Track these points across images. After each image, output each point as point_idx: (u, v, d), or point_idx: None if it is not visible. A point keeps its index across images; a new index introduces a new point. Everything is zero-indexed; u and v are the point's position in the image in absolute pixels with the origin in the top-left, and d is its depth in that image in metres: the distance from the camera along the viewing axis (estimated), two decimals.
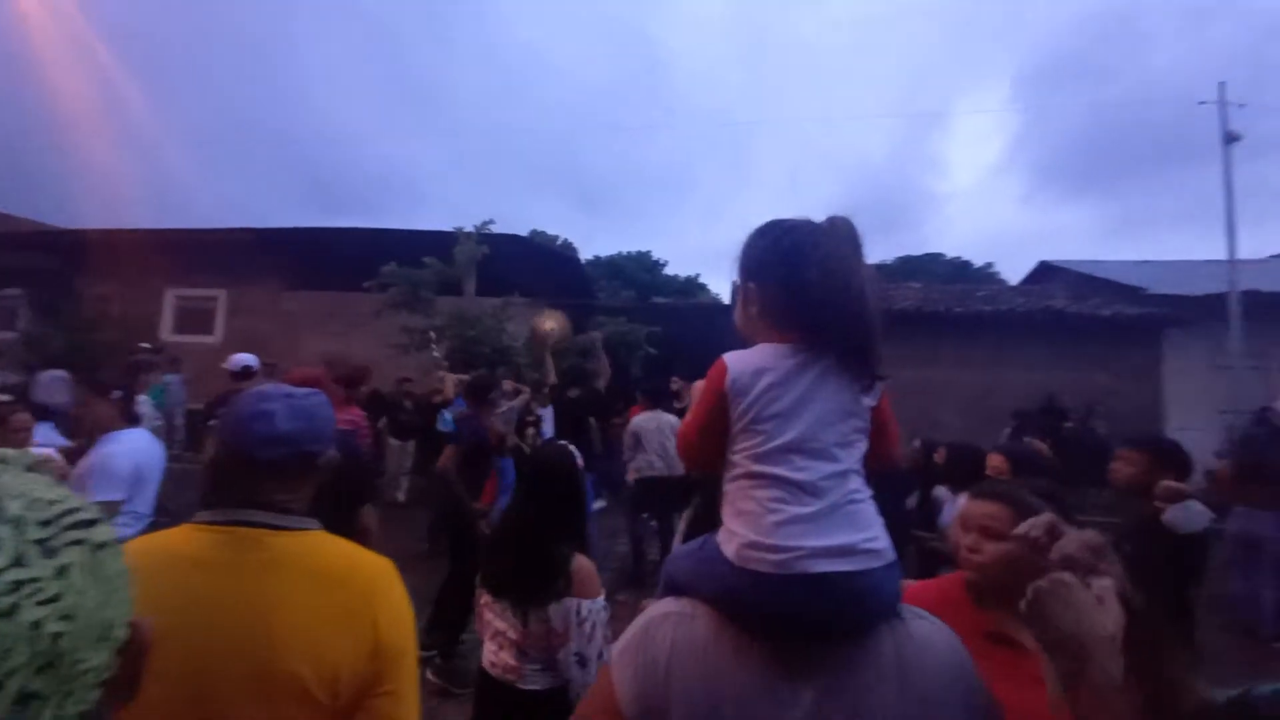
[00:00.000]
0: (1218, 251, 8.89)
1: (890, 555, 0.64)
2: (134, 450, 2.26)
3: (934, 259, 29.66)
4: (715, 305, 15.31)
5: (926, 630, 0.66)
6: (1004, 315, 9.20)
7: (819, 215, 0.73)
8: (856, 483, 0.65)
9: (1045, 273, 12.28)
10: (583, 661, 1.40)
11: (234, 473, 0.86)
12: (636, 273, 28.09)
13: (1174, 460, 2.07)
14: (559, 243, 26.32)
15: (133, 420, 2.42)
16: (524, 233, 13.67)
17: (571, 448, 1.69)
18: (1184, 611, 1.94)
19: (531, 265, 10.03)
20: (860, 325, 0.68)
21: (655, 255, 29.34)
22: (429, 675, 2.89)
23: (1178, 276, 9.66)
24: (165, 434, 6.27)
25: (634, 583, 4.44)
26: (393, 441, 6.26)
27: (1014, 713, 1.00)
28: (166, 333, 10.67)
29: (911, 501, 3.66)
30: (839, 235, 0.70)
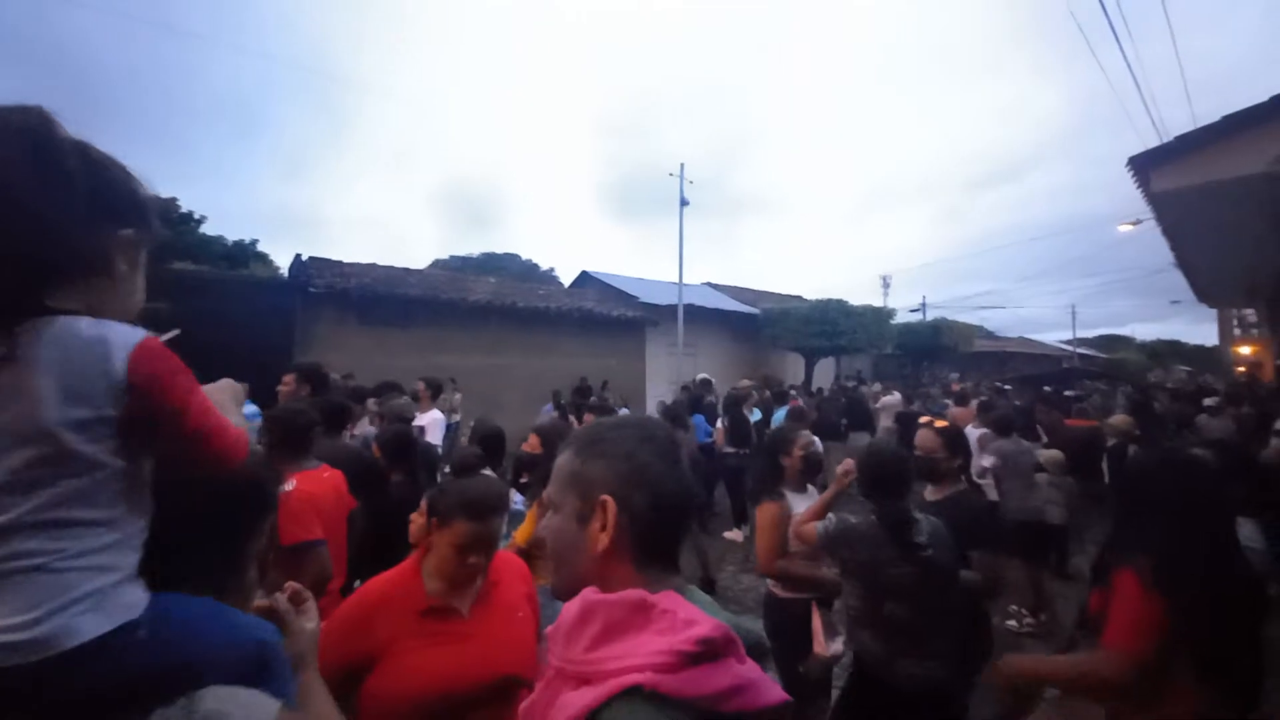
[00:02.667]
0: (674, 275, 13.46)
1: (64, 644, 0.44)
2: None
3: (513, 258, 33.12)
4: (270, 280, 12.53)
5: None
6: (555, 311, 11.25)
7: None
8: (24, 543, 0.45)
9: (585, 280, 15.65)
10: None
11: None
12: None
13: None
14: None
15: None
16: None
17: None
18: None
19: None
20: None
21: (186, 206, 19.24)
22: None
23: (654, 290, 14.02)
24: None
25: None
26: None
27: (440, 666, 1.20)
28: None
29: None
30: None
